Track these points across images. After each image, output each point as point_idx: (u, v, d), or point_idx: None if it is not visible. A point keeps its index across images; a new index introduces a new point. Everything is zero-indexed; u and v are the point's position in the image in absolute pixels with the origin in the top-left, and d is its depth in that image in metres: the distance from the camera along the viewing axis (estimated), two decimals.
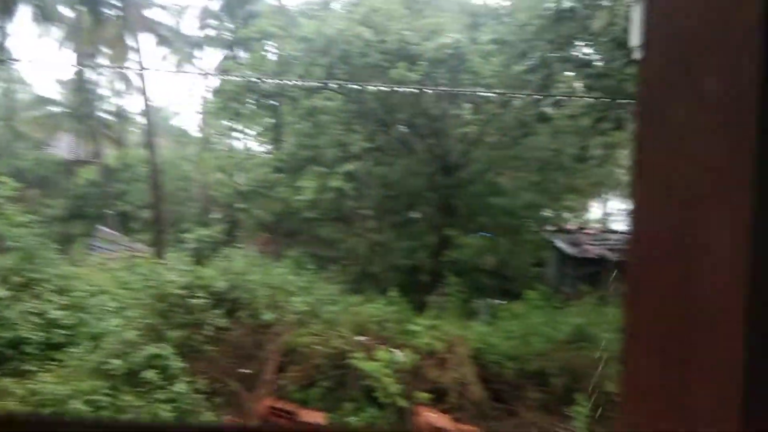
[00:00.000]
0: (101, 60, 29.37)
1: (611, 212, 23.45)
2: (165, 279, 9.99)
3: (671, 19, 0.60)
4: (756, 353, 0.53)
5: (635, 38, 3.90)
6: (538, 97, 13.34)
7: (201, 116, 24.36)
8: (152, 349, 8.32)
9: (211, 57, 30.14)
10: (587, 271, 13.25)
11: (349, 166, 14.27)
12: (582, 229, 18.22)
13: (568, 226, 17.69)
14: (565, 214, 17.16)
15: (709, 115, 0.58)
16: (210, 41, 29.45)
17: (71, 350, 8.43)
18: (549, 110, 13.26)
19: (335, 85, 15.00)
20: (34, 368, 8.06)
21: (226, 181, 19.52)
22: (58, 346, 8.71)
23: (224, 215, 23.12)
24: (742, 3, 0.53)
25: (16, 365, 8.29)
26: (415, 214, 16.76)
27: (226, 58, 26.81)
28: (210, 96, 23.05)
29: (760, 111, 0.52)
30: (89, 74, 27.99)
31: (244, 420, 7.89)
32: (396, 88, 13.90)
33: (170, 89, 62.82)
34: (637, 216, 0.67)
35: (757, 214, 0.52)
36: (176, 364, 8.27)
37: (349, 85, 14.52)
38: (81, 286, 10.34)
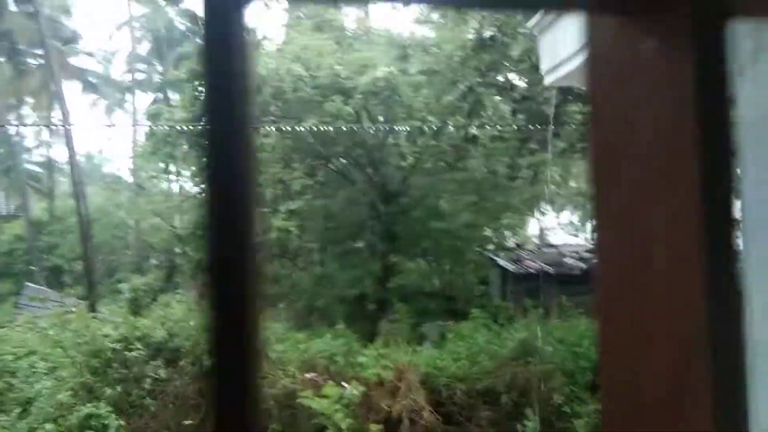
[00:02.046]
0: (25, 110, 28.34)
1: (546, 227, 24.26)
2: (99, 333, 9.56)
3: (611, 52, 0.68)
4: (710, 316, 0.59)
5: (543, 65, 4.19)
6: (468, 122, 13.79)
7: (133, 161, 23.75)
8: (87, 409, 7.91)
9: (142, 100, 29.57)
10: (528, 286, 13.61)
11: (291, 204, 14.21)
12: (521, 245, 18.75)
13: (508, 244, 18.15)
14: (504, 232, 17.61)
15: (649, 126, 0.66)
16: (139, 85, 28.98)
17: None
18: (479, 134, 13.73)
19: (269, 123, 15.02)
20: None
21: (162, 225, 19.01)
22: None
23: (162, 261, 22.44)
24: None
25: None
26: (358, 244, 16.80)
27: (156, 101, 26.42)
28: (141, 140, 22.56)
29: (697, 118, 0.60)
30: (12, 126, 26.90)
31: None
32: (331, 124, 14.07)
33: (101, 135, 61.01)
34: (600, 227, 0.74)
35: (702, 208, 0.59)
36: (114, 422, 7.89)
37: (285, 123, 14.58)
38: (8, 348, 9.75)
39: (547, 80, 3.61)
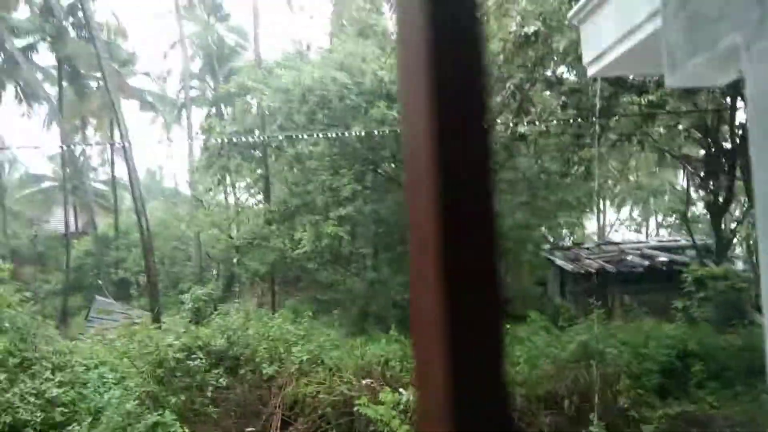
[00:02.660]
0: (88, 131, 29.86)
1: (605, 224, 23.47)
2: (163, 343, 9.88)
3: None
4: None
5: (586, 56, 4.00)
6: (516, 120, 13.50)
7: (190, 175, 24.57)
8: (154, 417, 8.18)
9: (196, 116, 30.62)
10: (588, 286, 13.16)
11: (341, 210, 14.31)
12: (578, 244, 18.19)
13: (565, 243, 17.65)
14: (560, 231, 17.14)
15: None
16: (193, 101, 30.00)
17: (72, 428, 8.27)
18: (528, 131, 13.40)
19: (318, 132, 15.21)
20: None
21: (220, 236, 19.55)
22: (58, 426, 8.55)
23: (221, 271, 23.08)
24: None
25: None
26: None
27: (209, 115, 27.25)
28: (197, 154, 23.31)
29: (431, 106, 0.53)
30: (77, 147, 28.38)
31: None
32: (377, 130, 14.09)
33: (160, 152, 63.59)
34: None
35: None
36: (179, 430, 8.12)
37: (333, 130, 14.72)
38: (79, 360, 10.21)
39: (591, 71, 3.44)
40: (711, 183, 13.86)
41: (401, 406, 8.43)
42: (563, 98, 12.99)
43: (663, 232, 25.34)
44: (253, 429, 8.87)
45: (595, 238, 24.93)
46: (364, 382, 9.54)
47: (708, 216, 15.11)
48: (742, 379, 9.27)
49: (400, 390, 9.01)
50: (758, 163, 1.18)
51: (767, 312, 1.11)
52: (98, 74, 25.49)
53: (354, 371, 9.80)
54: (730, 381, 9.48)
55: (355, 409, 8.58)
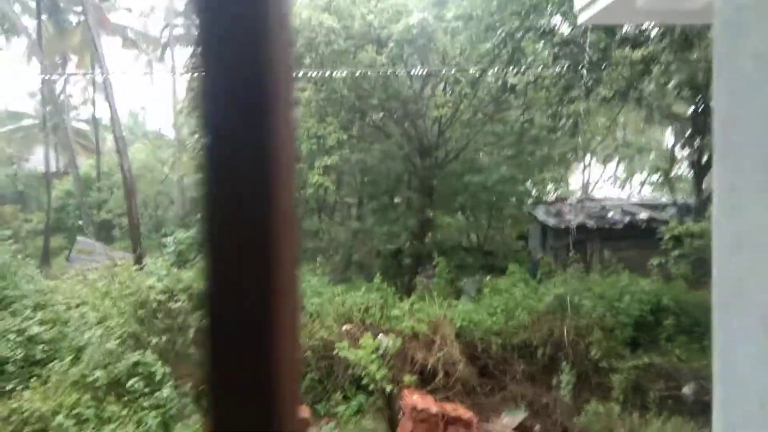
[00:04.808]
0: (69, 68, 28.93)
1: (589, 180, 23.56)
2: (145, 285, 9.91)
3: None
4: None
5: (577, 1, 3.84)
6: (507, 70, 13.27)
7: (174, 117, 24.07)
8: (135, 356, 8.28)
9: (181, 55, 29.75)
10: (569, 241, 13.33)
11: (327, 160, 14.14)
12: (561, 199, 18.31)
13: (548, 198, 17.75)
14: (545, 186, 17.20)
15: None
16: (177, 40, 29.06)
17: (53, 365, 8.36)
18: (518, 83, 13.20)
19: (304, 75, 14.86)
20: (17, 386, 8.00)
21: None
22: (39, 362, 8.64)
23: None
24: None
25: None
26: (395, 199, 16.73)
27: (193, 55, 26.49)
28: (182, 95, 22.78)
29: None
30: (58, 84, 27.56)
31: None
32: (365, 72, 13.79)
33: (142, 91, 62.01)
34: None
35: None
36: (160, 369, 8.24)
37: (319, 73, 14.38)
38: (60, 299, 10.24)
39: (581, 19, 3.33)
40: (696, 142, 13.88)
41: (380, 351, 8.63)
42: (556, 49, 12.75)
43: (646, 190, 25.54)
44: None
45: (579, 194, 25.09)
46: (344, 327, 9.71)
47: (691, 175, 15.22)
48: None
49: (380, 336, 9.21)
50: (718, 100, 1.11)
51: (716, 291, 1.09)
52: (79, 8, 24.51)
53: (335, 317, 9.95)
54: (700, 336, 9.79)
55: (335, 352, 8.75)
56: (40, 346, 8.89)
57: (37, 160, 25.99)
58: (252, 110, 0.44)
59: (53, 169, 24.47)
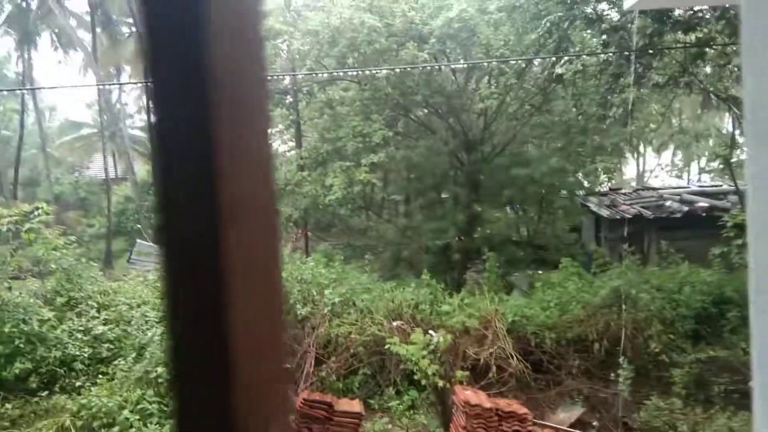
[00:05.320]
0: (123, 78, 30.12)
1: (644, 170, 22.78)
2: None
3: None
4: None
5: None
6: (554, 59, 12.98)
7: None
8: None
9: None
10: (624, 232, 12.90)
11: (373, 157, 14.21)
12: (615, 189, 17.76)
13: (601, 188, 17.26)
14: (598, 177, 16.72)
15: None
16: None
17: (117, 362, 8.75)
18: (565, 72, 12.88)
19: (349, 74, 14.98)
20: (85, 383, 8.41)
21: None
22: (105, 360, 9.05)
23: None
24: None
25: (68, 382, 8.66)
26: (442, 194, 16.65)
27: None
28: None
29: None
30: (114, 94, 28.75)
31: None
32: (408, 68, 13.77)
33: None
34: None
35: None
36: None
37: (363, 72, 14.46)
38: (123, 300, 10.69)
39: (627, 3, 3.22)
40: None
41: (431, 347, 8.60)
42: (604, 36, 12.38)
43: (705, 177, 24.47)
44: (288, 366, 9.20)
45: (634, 183, 24.28)
46: (395, 323, 9.74)
47: None
48: None
49: (430, 332, 9.18)
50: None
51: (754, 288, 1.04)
52: (130, 20, 25.48)
53: (385, 314, 9.99)
54: None
55: (387, 347, 8.79)
56: (106, 345, 9.32)
57: (97, 167, 27.19)
58: (194, 105, 0.43)
59: (112, 175, 25.55)
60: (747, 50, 1.01)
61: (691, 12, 11.12)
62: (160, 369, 8.24)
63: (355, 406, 7.32)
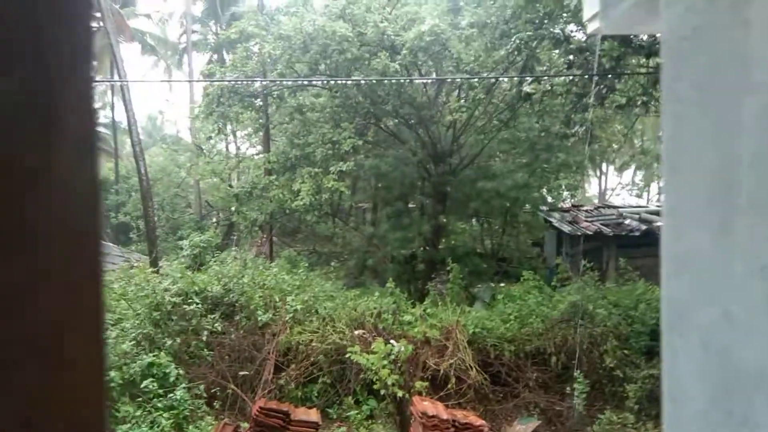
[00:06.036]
0: None
1: (606, 188, 23.38)
2: (160, 287, 10.03)
3: None
4: None
5: (587, 10, 3.82)
6: (521, 78, 13.26)
7: (191, 122, 24.36)
8: (149, 357, 8.38)
9: (198, 61, 30.11)
10: (585, 248, 13.21)
11: (342, 165, 14.21)
12: (577, 206, 18.18)
13: (564, 204, 17.64)
14: (560, 193, 17.10)
15: None
16: (195, 45, 29.44)
17: None
18: (532, 90, 13.17)
19: (319, 81, 14.97)
20: None
21: (220, 185, 19.52)
22: None
23: (220, 219, 23.19)
24: None
25: None
26: (409, 204, 16.75)
27: (211, 61, 26.80)
28: (198, 100, 23.03)
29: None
30: None
31: (243, 422, 7.94)
32: (379, 79, 13.86)
33: (161, 96, 62.82)
34: None
35: None
36: (174, 371, 8.32)
37: (333, 80, 14.49)
38: None
39: (591, 27, 3.31)
40: None
41: (392, 357, 8.62)
42: (570, 57, 12.72)
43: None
44: (247, 373, 9.09)
45: (596, 201, 24.89)
46: (356, 332, 9.72)
47: None
48: None
49: (392, 341, 9.20)
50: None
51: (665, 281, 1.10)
52: (97, 13, 24.95)
53: (347, 322, 9.97)
54: None
55: (347, 356, 8.77)
56: None
57: None
58: None
59: None
60: (665, 95, 1.08)
61: (653, 38, 11.53)
62: (112, 373, 8.03)
63: (313, 415, 7.27)
